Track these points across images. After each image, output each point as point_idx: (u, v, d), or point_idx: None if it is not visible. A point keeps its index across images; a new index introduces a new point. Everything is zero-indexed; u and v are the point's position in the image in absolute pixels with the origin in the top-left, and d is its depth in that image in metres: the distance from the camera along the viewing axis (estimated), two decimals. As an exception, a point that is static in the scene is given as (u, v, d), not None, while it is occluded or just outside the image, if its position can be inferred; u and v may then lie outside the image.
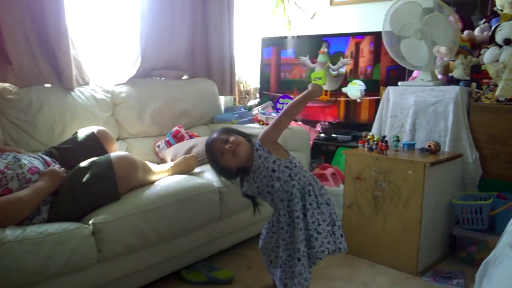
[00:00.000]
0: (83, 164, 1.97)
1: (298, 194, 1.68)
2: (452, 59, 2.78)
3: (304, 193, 1.69)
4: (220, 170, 1.79)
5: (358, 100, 3.33)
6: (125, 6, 3.05)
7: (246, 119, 3.28)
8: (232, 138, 1.72)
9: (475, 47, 2.82)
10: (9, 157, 1.87)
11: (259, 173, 1.70)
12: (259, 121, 3.20)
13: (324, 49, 3.51)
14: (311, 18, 3.99)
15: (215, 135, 1.78)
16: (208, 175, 2.36)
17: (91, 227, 1.77)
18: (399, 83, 2.90)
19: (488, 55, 2.60)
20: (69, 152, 2.19)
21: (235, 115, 3.28)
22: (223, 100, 3.75)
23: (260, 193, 1.75)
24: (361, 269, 2.36)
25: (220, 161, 1.74)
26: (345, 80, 3.42)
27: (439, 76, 2.89)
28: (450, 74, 2.86)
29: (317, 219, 1.67)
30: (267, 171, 1.69)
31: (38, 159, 2.00)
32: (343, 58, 3.42)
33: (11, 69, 2.37)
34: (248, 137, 1.80)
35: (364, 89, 3.32)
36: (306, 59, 3.61)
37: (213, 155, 1.76)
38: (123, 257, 1.89)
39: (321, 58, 3.54)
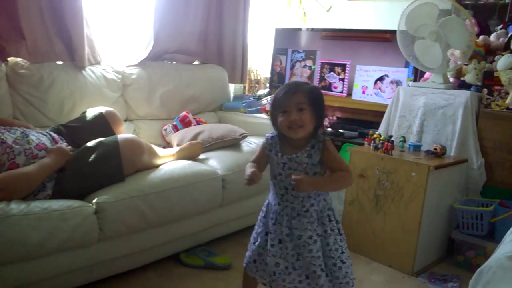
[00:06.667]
0: (90, 143, 1.99)
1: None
2: (466, 63, 2.76)
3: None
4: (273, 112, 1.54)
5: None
6: (141, -12, 3.05)
7: (254, 108, 3.28)
8: (303, 117, 1.47)
9: (490, 53, 2.79)
10: (18, 132, 1.90)
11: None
12: (267, 112, 3.20)
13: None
14: (327, 11, 3.96)
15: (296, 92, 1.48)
16: (212, 162, 2.38)
17: (94, 206, 1.80)
18: (410, 83, 2.88)
19: (502, 62, 2.57)
20: (77, 130, 2.22)
21: (244, 104, 3.29)
22: (232, 88, 3.75)
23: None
24: (358, 266, 2.37)
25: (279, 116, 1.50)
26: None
27: (451, 79, 2.87)
28: (462, 78, 2.83)
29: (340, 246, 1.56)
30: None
31: (46, 135, 2.03)
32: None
33: (24, 44, 2.39)
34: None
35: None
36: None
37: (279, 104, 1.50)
38: (123, 237, 1.92)
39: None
